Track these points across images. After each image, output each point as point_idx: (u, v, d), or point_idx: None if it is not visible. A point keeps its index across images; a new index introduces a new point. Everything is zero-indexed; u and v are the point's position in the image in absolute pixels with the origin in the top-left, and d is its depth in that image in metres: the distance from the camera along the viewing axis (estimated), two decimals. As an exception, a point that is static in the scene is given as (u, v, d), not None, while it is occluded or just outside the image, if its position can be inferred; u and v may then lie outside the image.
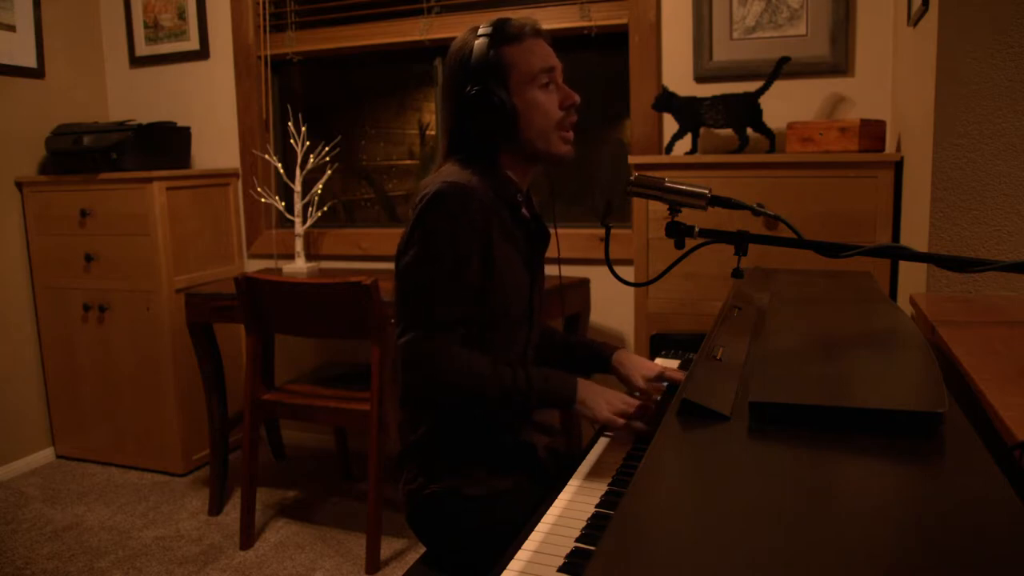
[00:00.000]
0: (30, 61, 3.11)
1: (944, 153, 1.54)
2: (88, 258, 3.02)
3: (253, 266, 3.30)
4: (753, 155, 2.27)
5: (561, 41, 2.81)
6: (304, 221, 3.06)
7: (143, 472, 3.08)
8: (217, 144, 3.29)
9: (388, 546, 2.45)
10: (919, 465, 0.73)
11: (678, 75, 2.61)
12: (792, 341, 1.09)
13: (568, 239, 2.82)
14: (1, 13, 2.99)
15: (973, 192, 1.53)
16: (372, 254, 3.11)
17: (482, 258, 1.32)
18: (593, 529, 1.03)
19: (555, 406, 1.37)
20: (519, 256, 1.42)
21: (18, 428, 3.13)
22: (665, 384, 1.52)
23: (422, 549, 1.49)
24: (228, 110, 3.26)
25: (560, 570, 0.93)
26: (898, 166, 2.06)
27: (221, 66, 3.24)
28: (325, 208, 3.13)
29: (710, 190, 1.28)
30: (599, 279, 2.75)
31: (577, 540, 1.00)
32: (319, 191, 3.05)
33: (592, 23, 2.72)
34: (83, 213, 3.00)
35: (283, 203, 3.18)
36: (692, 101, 2.38)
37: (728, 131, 2.41)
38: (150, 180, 2.89)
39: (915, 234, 1.76)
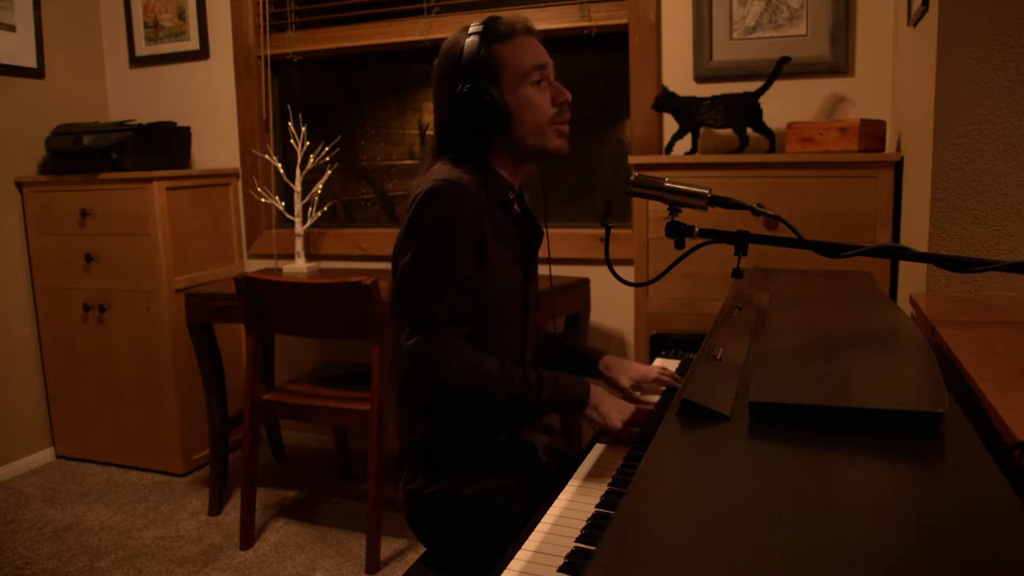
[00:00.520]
0: (30, 61, 3.11)
1: (944, 153, 1.54)
2: (88, 258, 3.02)
3: (253, 266, 3.30)
4: (753, 155, 2.27)
5: (561, 41, 2.80)
6: (304, 221, 3.06)
7: (143, 472, 3.08)
8: (217, 144, 3.29)
9: (388, 546, 2.45)
10: (919, 465, 0.73)
11: (678, 75, 2.61)
12: (792, 341, 1.09)
13: (568, 239, 2.82)
14: (1, 13, 2.99)
15: (973, 192, 1.53)
16: (372, 254, 3.11)
17: (476, 256, 1.32)
18: (593, 529, 1.03)
19: (565, 410, 1.35)
20: (512, 254, 1.42)
21: (18, 428, 3.13)
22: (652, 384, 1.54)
23: (422, 549, 1.49)
24: (228, 110, 3.26)
25: (560, 570, 0.93)
26: (898, 166, 2.06)
27: (221, 66, 3.24)
28: (325, 208, 3.13)
29: (710, 190, 1.28)
30: (599, 279, 2.75)
31: (577, 540, 1.00)
32: (319, 191, 3.05)
33: (592, 23, 2.72)
34: (83, 213, 3.00)
35: (283, 203, 3.18)
36: (692, 101, 2.38)
37: (728, 131, 2.41)
38: (150, 180, 2.89)
39: (915, 234, 1.76)
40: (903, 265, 2.03)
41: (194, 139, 3.28)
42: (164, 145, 3.12)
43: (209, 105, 3.28)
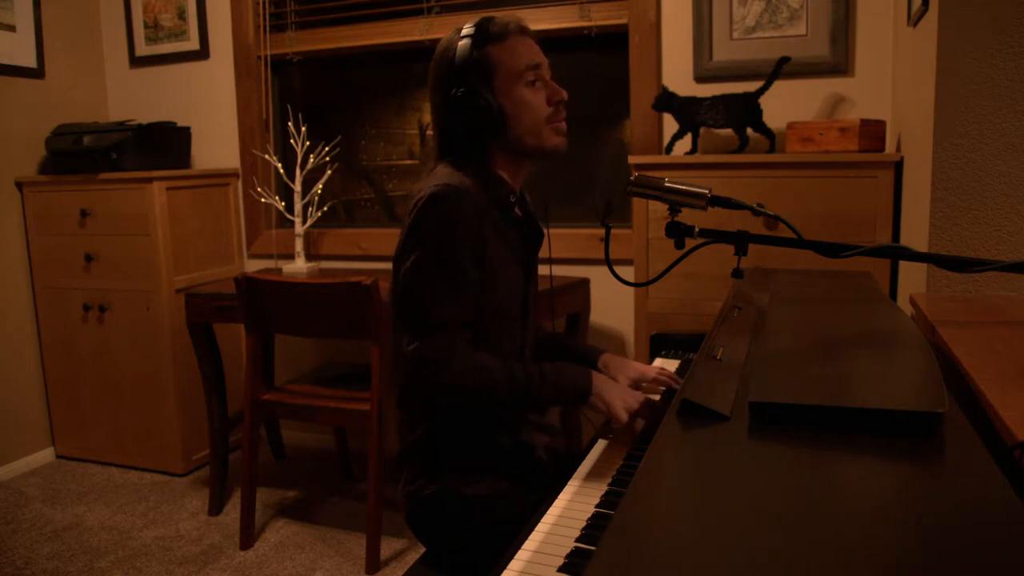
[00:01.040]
0: (30, 61, 3.11)
1: (944, 153, 1.54)
2: (88, 258, 3.02)
3: (253, 266, 3.30)
4: (753, 155, 2.27)
5: (561, 41, 2.79)
6: (304, 221, 3.06)
7: (143, 472, 3.08)
8: (217, 144, 3.29)
9: (388, 546, 2.45)
10: (919, 465, 0.73)
11: (678, 75, 2.61)
12: (792, 341, 1.09)
13: (568, 239, 2.82)
14: (1, 13, 2.99)
15: (973, 192, 1.53)
16: (372, 254, 3.11)
17: (477, 258, 1.32)
18: (593, 529, 1.03)
19: (569, 400, 1.35)
20: (512, 255, 1.42)
21: (18, 428, 3.13)
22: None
23: (422, 549, 1.49)
24: (228, 110, 3.26)
25: (560, 570, 0.93)
26: (898, 166, 2.06)
27: (221, 66, 3.24)
28: (325, 208, 3.13)
29: (710, 190, 1.28)
30: (599, 279, 2.75)
31: (577, 540, 1.00)
32: (319, 191, 3.05)
33: (592, 23, 2.72)
34: (83, 213, 3.00)
35: (283, 203, 3.18)
36: (692, 101, 2.38)
37: (728, 131, 2.41)
38: (150, 180, 2.89)
39: (915, 234, 1.76)
40: (903, 265, 2.03)
41: (194, 139, 3.28)
42: (164, 145, 3.12)
43: (209, 105, 3.28)
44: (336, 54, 3.14)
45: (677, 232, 1.32)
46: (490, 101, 1.34)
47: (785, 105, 2.42)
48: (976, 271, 1.20)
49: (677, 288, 2.27)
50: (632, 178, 1.34)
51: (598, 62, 2.84)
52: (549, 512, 1.09)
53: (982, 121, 1.51)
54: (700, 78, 2.58)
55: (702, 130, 2.44)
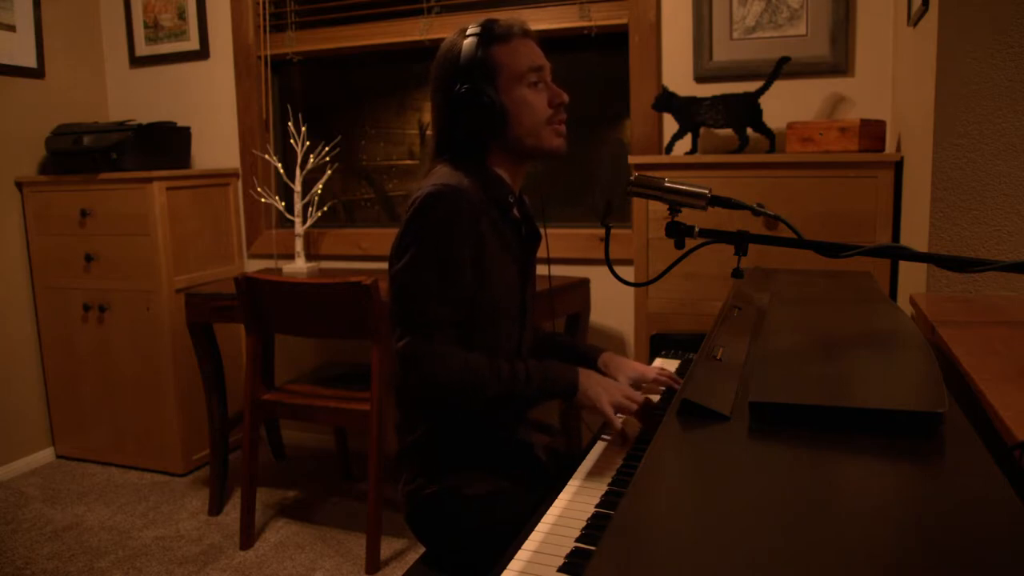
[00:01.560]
0: (30, 61, 3.11)
1: (944, 153, 1.54)
2: (88, 258, 3.02)
3: (253, 266, 3.30)
4: (753, 155, 2.27)
5: (561, 41, 2.79)
6: (304, 221, 3.06)
7: (143, 472, 3.08)
8: (217, 144, 3.29)
9: (388, 546, 2.45)
10: (919, 465, 0.73)
11: (678, 75, 2.61)
12: (792, 341, 1.09)
13: (568, 239, 2.82)
14: (1, 13, 2.99)
15: (973, 192, 1.53)
16: (372, 254, 3.11)
17: (474, 258, 1.32)
18: (593, 529, 1.03)
19: (556, 396, 1.35)
20: (510, 256, 1.42)
21: (18, 428, 3.13)
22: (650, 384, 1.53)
23: (422, 549, 1.49)
24: (228, 110, 3.26)
25: (560, 570, 0.93)
26: (898, 166, 2.06)
27: (221, 66, 3.24)
28: (325, 208, 3.13)
29: (710, 190, 1.28)
30: (599, 279, 2.75)
31: (577, 540, 1.00)
32: (319, 191, 3.05)
33: (592, 23, 2.72)
34: (83, 213, 3.00)
35: (283, 203, 3.18)
36: (692, 101, 2.38)
37: (728, 131, 2.41)
38: (150, 180, 2.89)
39: (915, 234, 1.76)
40: (903, 265, 2.03)
41: (194, 139, 3.28)
42: (164, 145, 3.12)
43: (209, 105, 3.28)
44: (336, 54, 3.14)
45: (677, 232, 1.32)
46: (493, 99, 1.35)
47: (785, 105, 2.42)
48: (976, 271, 1.20)
49: (677, 288, 2.27)
50: (632, 178, 1.34)
51: (598, 62, 2.84)
52: (549, 512, 1.09)
53: (982, 121, 1.51)
54: (700, 78, 2.58)
55: (702, 130, 2.44)
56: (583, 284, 2.72)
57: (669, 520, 0.66)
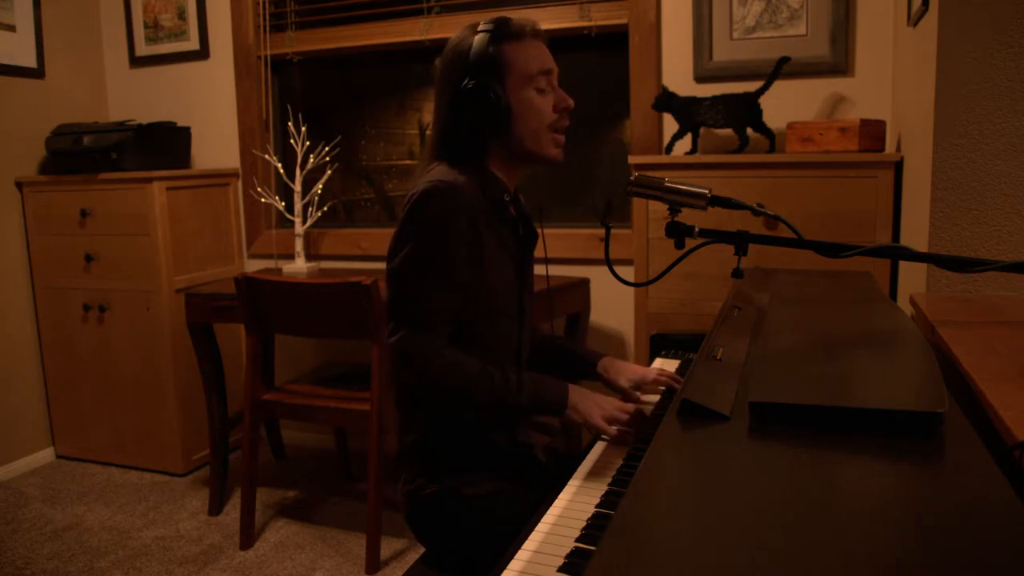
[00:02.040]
0: (30, 61, 3.10)
1: (944, 153, 1.54)
2: (88, 258, 3.02)
3: (253, 266, 3.30)
4: (753, 155, 2.27)
5: (561, 41, 2.79)
6: (304, 221, 3.06)
7: (143, 472, 3.08)
8: (217, 144, 3.29)
9: (388, 546, 2.45)
10: (919, 465, 0.73)
11: (678, 75, 2.61)
12: (792, 341, 1.09)
13: (568, 239, 2.82)
14: (1, 13, 2.99)
15: (973, 192, 1.53)
16: (372, 254, 3.11)
17: (470, 256, 1.32)
18: (593, 529, 1.03)
19: (546, 412, 1.36)
20: (507, 254, 1.42)
21: (18, 428, 3.13)
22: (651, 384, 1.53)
23: (422, 549, 1.49)
24: (228, 110, 3.26)
25: (560, 570, 0.93)
26: (898, 166, 2.06)
27: (221, 66, 3.24)
28: (325, 208, 3.13)
29: (710, 190, 1.28)
30: (599, 279, 2.75)
31: (577, 540, 1.00)
32: (319, 191, 3.05)
33: (592, 23, 2.72)
34: (83, 213, 3.00)
35: (283, 203, 3.18)
36: (692, 101, 2.38)
37: (728, 131, 2.41)
38: (150, 180, 2.89)
39: (915, 234, 1.76)
40: (903, 265, 2.03)
41: (194, 139, 3.28)
42: (164, 145, 3.12)
43: (209, 105, 3.28)
44: (336, 54, 3.14)
45: (677, 232, 1.32)
46: (500, 96, 1.34)
47: (785, 105, 2.42)
48: (976, 271, 1.20)
49: (677, 288, 2.27)
50: (632, 178, 1.34)
51: (598, 62, 2.84)
52: (549, 512, 1.09)
53: (982, 121, 1.51)
54: (700, 78, 2.58)
55: (702, 130, 2.44)
56: (583, 284, 2.72)
57: (669, 520, 0.66)
